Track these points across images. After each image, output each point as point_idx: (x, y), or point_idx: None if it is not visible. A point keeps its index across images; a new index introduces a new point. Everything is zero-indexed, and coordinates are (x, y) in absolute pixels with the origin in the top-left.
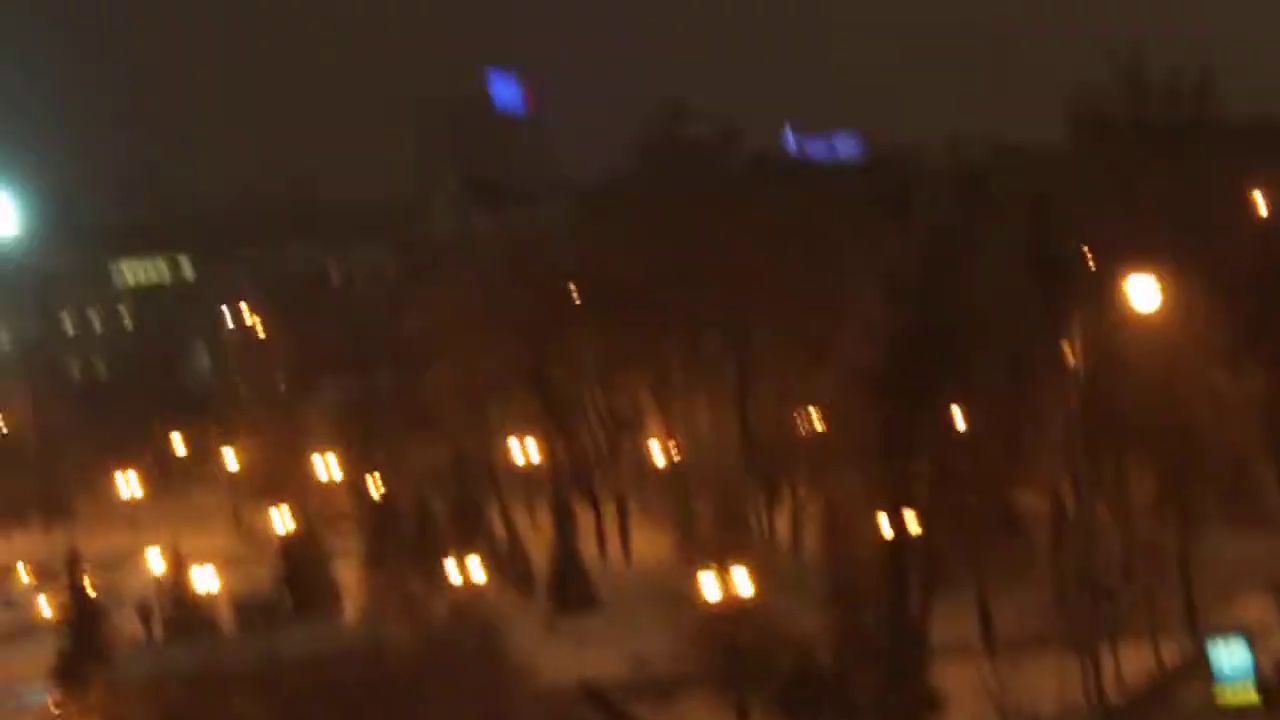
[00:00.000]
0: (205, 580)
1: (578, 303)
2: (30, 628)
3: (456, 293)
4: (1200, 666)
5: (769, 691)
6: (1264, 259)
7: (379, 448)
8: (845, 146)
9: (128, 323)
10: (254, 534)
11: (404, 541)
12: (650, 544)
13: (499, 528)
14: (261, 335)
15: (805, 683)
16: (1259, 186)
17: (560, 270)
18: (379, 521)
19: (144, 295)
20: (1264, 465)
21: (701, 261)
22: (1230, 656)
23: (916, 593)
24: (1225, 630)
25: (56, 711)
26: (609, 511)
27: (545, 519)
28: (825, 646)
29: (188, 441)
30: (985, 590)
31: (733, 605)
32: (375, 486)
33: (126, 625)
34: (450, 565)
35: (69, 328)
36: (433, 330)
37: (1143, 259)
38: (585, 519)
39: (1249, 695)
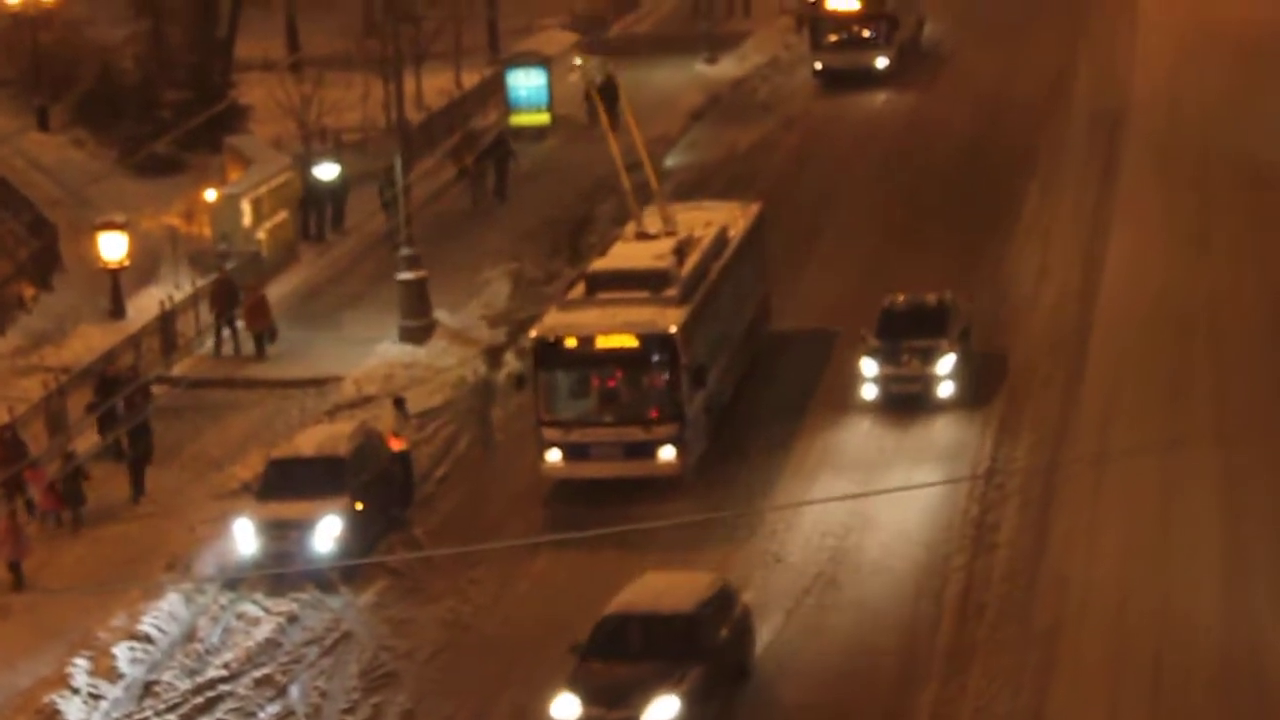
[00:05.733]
0: None
1: None
2: None
3: None
4: (498, 90)
5: (70, 100)
6: None
7: None
8: None
9: None
10: None
11: None
12: None
13: None
14: None
15: (106, 93)
16: None
17: None
18: None
19: None
20: None
21: None
22: (527, 82)
23: (225, 8)
24: (524, 59)
25: None
26: None
27: None
28: (128, 58)
29: None
30: (294, 10)
31: (35, 11)
32: None
33: None
34: None
35: None
36: None
37: None
38: None
39: (541, 118)
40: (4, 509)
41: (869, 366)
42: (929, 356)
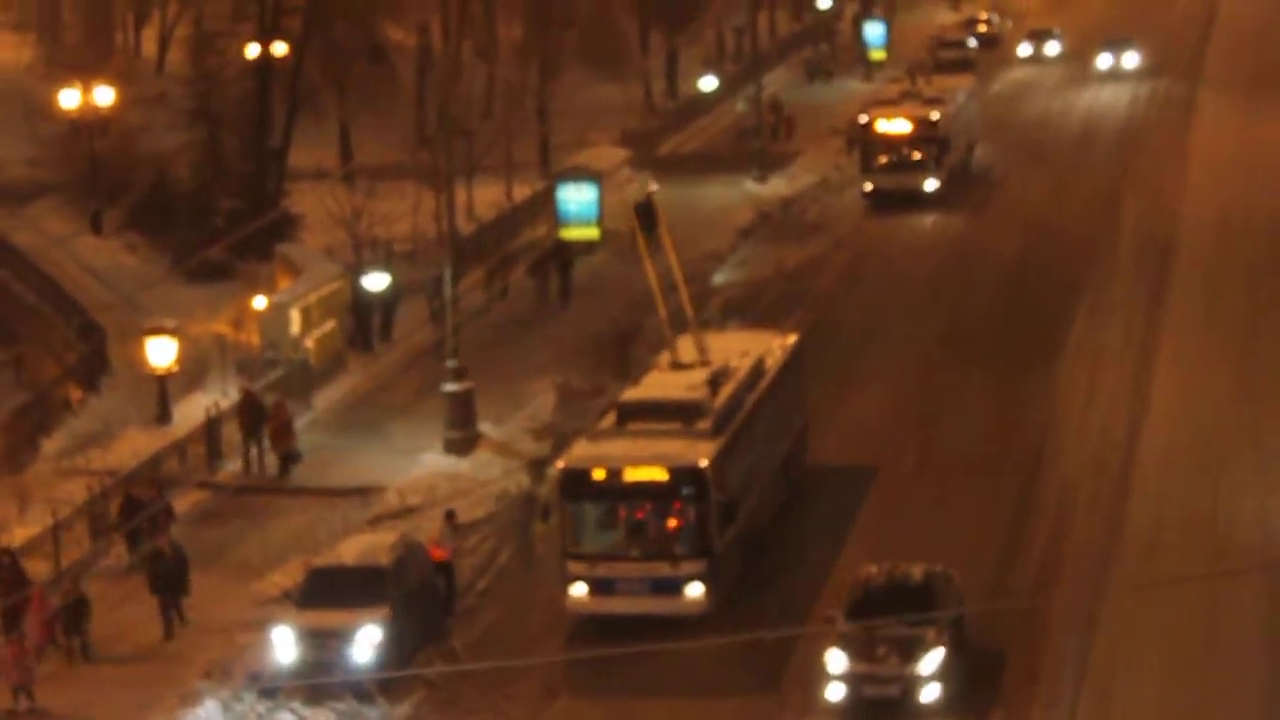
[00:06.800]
0: None
1: None
2: None
3: None
4: (548, 204)
5: (124, 205)
6: None
7: None
8: None
9: None
10: None
11: None
12: (10, 53)
13: None
14: None
15: (160, 199)
16: None
17: None
18: None
19: None
20: (627, 17)
21: None
22: (577, 196)
23: (280, 118)
24: (574, 173)
25: None
26: None
27: None
28: (184, 165)
29: None
30: (347, 121)
31: (93, 118)
32: None
33: None
34: None
35: None
36: None
37: None
38: None
39: (590, 233)
40: (6, 636)
41: (836, 661)
42: (911, 650)
